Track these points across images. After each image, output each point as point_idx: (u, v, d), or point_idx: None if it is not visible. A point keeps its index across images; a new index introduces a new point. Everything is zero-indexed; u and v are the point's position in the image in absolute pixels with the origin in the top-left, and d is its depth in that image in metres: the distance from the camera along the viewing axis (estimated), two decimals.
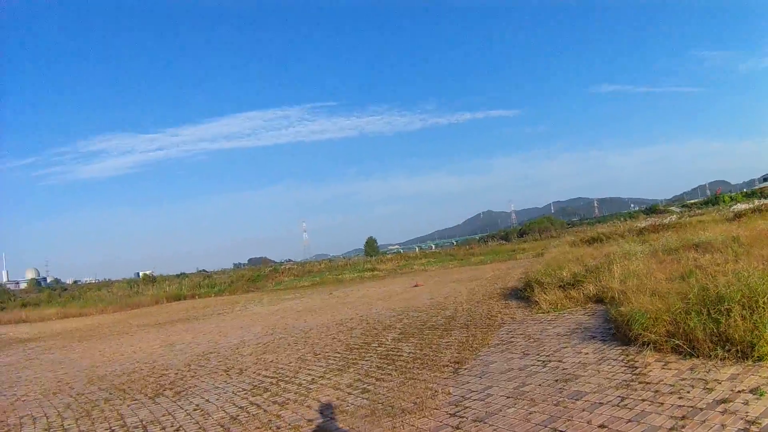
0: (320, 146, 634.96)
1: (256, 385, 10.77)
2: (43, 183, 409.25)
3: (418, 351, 11.83)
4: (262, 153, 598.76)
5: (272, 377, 11.39)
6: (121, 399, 11.12)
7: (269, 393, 9.97)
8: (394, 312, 20.08)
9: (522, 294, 17.83)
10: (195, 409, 9.49)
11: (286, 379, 11.04)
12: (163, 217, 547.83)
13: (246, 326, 22.46)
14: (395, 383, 9.31)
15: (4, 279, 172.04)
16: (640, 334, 8.80)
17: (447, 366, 9.99)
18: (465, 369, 9.58)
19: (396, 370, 10.25)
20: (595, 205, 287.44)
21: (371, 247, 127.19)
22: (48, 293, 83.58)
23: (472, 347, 11.27)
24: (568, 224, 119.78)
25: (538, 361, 9.27)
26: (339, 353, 13.07)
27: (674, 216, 49.94)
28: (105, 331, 28.31)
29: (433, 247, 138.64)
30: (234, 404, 9.51)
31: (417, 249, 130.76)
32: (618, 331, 9.82)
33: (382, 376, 9.96)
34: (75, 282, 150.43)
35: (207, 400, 10.04)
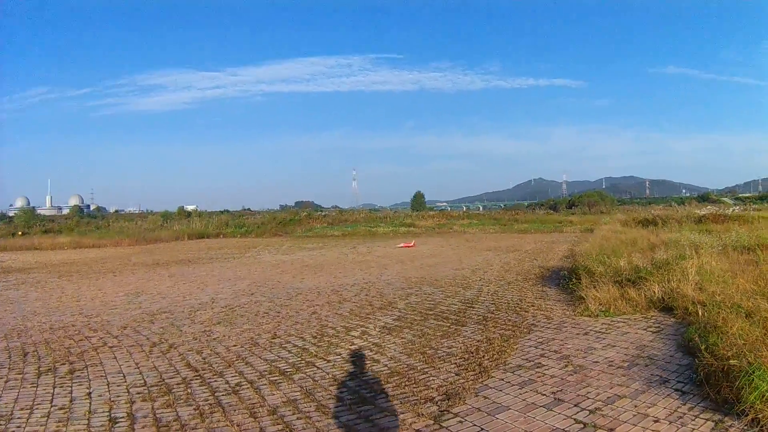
0: (379, 97, 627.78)
1: (162, 379, 7.75)
2: (97, 113, 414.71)
3: (402, 359, 8.33)
4: (321, 99, 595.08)
5: (194, 367, 8.34)
6: (6, 369, 8.60)
7: (165, 399, 6.90)
8: (406, 283, 16.97)
9: (564, 281, 14.29)
10: (60, 408, 6.66)
11: (208, 375, 7.89)
12: (214, 155, 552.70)
13: (235, 278, 19.89)
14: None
15: (47, 204, 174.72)
16: (754, 406, 5.19)
17: (430, 401, 6.43)
18: (455, 415, 6.01)
19: (351, 399, 6.74)
20: (647, 185, 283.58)
21: (418, 201, 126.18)
22: (76, 221, 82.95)
23: (479, 366, 7.64)
24: (619, 201, 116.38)
25: (576, 421, 5.61)
26: (301, 343, 9.69)
27: (736, 207, 45.93)
28: (96, 267, 26.27)
29: (481, 208, 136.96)
30: (114, 407, 6.66)
31: (464, 208, 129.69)
32: (707, 381, 6.21)
33: (325, 406, 6.50)
34: (116, 211, 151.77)
35: (88, 394, 7.20)
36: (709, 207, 39.81)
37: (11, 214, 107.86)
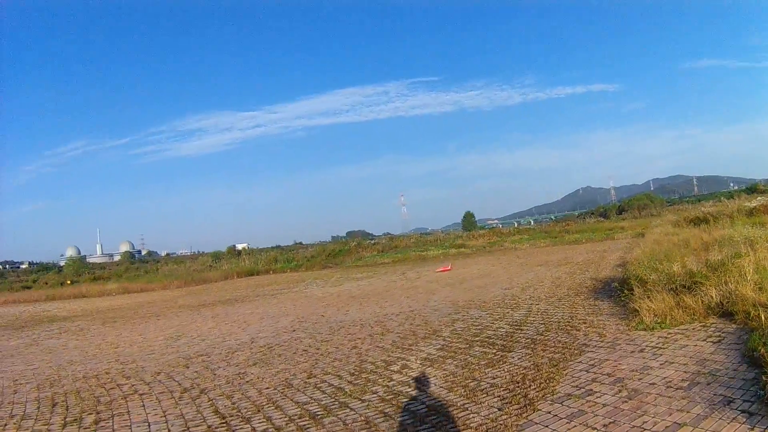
0: (419, 121, 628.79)
1: (187, 428, 7.41)
2: (140, 161, 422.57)
3: (442, 394, 7.69)
4: (361, 128, 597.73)
5: (222, 414, 7.93)
6: (32, 419, 8.50)
7: None
8: (453, 308, 16.27)
9: (617, 292, 13.33)
10: None
11: (235, 422, 7.44)
12: (262, 193, 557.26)
13: (278, 315, 19.54)
14: None
15: (98, 252, 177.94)
16: None
17: None
18: None
19: None
20: (695, 182, 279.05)
21: (468, 221, 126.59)
22: (125, 267, 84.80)
23: (525, 398, 6.98)
24: (668, 202, 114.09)
25: None
26: (337, 382, 9.13)
27: None
28: (141, 312, 26.28)
29: (532, 222, 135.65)
30: None
31: (515, 224, 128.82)
32: None
33: None
34: (167, 255, 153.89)
35: None
36: (759, 198, 38.50)
37: (62, 263, 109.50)
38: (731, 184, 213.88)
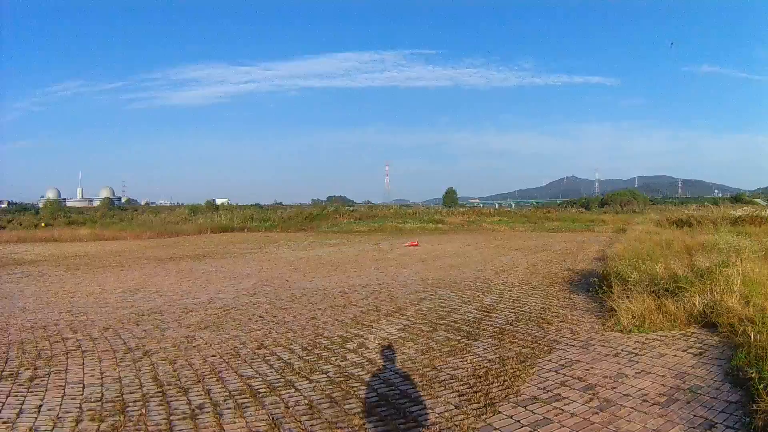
0: (413, 93, 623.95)
1: (121, 395, 6.81)
2: (131, 107, 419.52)
3: (397, 382, 7.08)
4: (355, 94, 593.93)
5: (160, 381, 7.36)
6: None
7: (114, 420, 5.93)
8: (422, 285, 15.72)
9: (595, 287, 12.74)
10: (3, 423, 5.96)
11: (171, 392, 6.86)
12: (248, 149, 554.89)
13: (243, 276, 18.90)
14: None
15: (78, 196, 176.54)
16: None
17: None
18: None
19: None
20: (680, 185, 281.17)
21: (450, 197, 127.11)
22: (101, 213, 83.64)
23: (486, 397, 6.35)
24: (651, 201, 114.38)
25: None
26: (287, 356, 8.52)
27: None
28: (107, 261, 25.60)
29: (513, 205, 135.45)
30: (57, 425, 5.85)
31: (497, 205, 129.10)
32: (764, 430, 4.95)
33: None
34: (147, 204, 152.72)
35: (38, 407, 6.39)
36: (744, 208, 38.28)
37: (40, 205, 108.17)
38: (716, 191, 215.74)
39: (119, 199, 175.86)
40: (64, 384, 7.18)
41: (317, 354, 8.50)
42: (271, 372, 7.61)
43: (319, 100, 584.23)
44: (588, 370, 7.18)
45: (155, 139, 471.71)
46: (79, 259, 26.90)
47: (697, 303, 9.46)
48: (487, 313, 11.29)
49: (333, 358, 8.21)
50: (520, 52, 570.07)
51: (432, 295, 13.87)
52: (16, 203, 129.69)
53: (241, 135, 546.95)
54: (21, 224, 60.27)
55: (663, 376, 6.75)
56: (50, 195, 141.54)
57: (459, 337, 9.27)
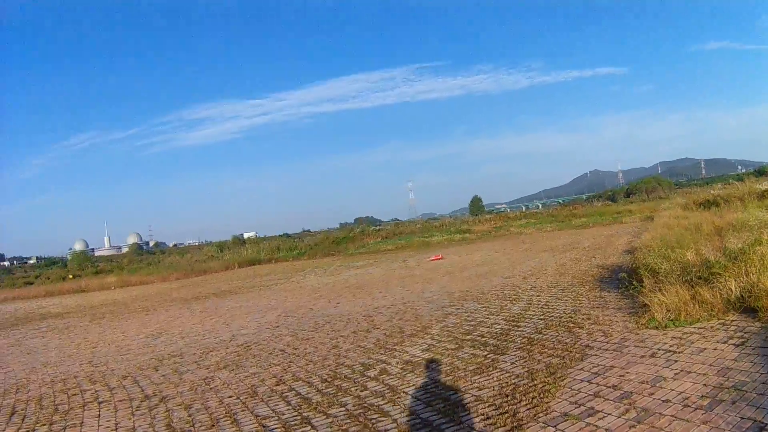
0: (426, 106, 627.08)
1: None
2: (148, 152, 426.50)
3: (418, 409, 6.60)
4: (368, 114, 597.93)
5: (173, 428, 7.13)
6: None
7: None
8: (448, 299, 15.25)
9: (625, 283, 12.04)
10: None
11: None
12: (270, 180, 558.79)
13: (267, 308, 18.61)
14: None
15: (106, 245, 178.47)
16: None
17: None
18: None
19: None
20: (702, 165, 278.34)
21: (476, 206, 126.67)
22: (128, 259, 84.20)
23: (512, 418, 5.87)
24: (676, 185, 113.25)
25: None
26: (305, 390, 8.12)
27: None
28: (132, 307, 25.49)
29: (540, 206, 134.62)
30: None
31: (523, 208, 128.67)
32: None
33: None
34: (174, 245, 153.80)
35: None
36: None
37: (69, 258, 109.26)
38: (739, 167, 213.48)
39: (147, 243, 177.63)
40: None
41: (337, 385, 8.10)
42: (287, 409, 7.24)
43: (334, 124, 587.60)
44: (623, 376, 6.67)
45: (176, 181, 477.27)
46: (105, 307, 26.84)
47: (733, 288, 8.89)
48: (515, 323, 10.78)
49: (353, 389, 7.80)
50: (528, 53, 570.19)
51: (458, 309, 13.40)
52: (44, 258, 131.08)
53: (262, 167, 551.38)
54: (49, 278, 60.66)
55: (704, 374, 6.22)
56: (78, 247, 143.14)
57: (485, 353, 8.79)
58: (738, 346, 7.04)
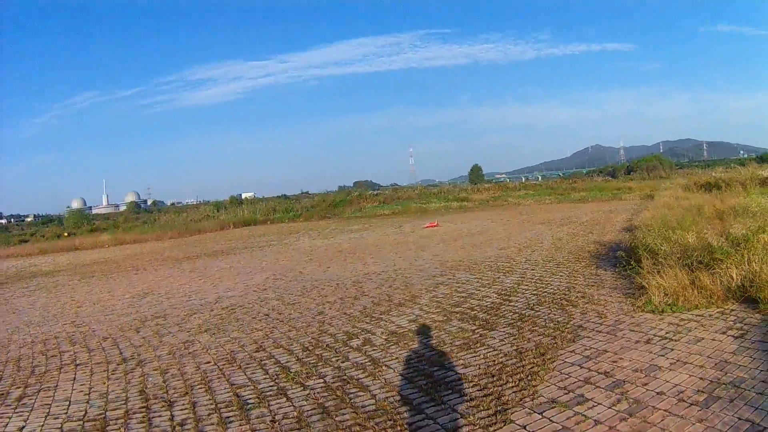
0: (432, 73, 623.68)
1: (104, 411, 6.47)
2: (150, 111, 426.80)
3: (399, 384, 6.35)
4: (373, 79, 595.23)
5: (147, 395, 6.93)
6: None
7: None
8: (440, 268, 14.95)
9: (622, 262, 11.64)
10: None
11: (156, 407, 6.43)
12: (271, 141, 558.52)
13: (256, 270, 18.40)
14: None
15: (104, 203, 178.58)
16: None
17: None
18: None
19: None
20: (704, 147, 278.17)
21: (476, 174, 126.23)
22: (124, 217, 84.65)
23: (498, 401, 5.57)
24: (677, 165, 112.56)
25: None
26: (285, 359, 7.88)
27: None
28: (123, 265, 25.17)
29: (539, 178, 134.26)
30: None
31: (523, 179, 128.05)
32: None
33: None
34: (172, 204, 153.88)
35: (21, 429, 6.17)
36: None
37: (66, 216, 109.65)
38: (741, 152, 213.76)
39: (145, 202, 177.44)
40: (50, 402, 6.90)
41: (318, 354, 7.84)
42: (264, 378, 7.00)
43: (339, 87, 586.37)
44: (616, 362, 6.35)
45: (177, 141, 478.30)
46: (96, 266, 26.59)
47: (734, 276, 8.57)
48: (506, 297, 10.46)
49: (334, 359, 7.53)
50: (536, 24, 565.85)
51: (450, 279, 13.10)
52: (42, 216, 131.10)
53: (264, 128, 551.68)
54: (44, 236, 60.35)
55: (701, 366, 5.90)
56: (75, 205, 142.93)
57: (474, 327, 8.49)
58: (737, 338, 6.73)
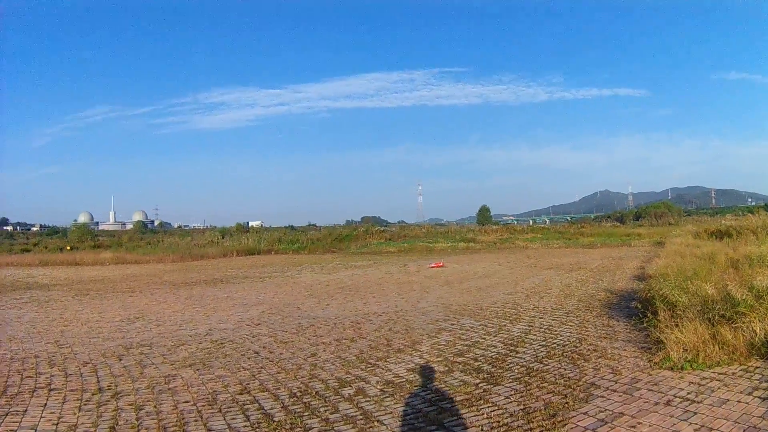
0: (444, 111, 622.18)
1: None
2: (161, 131, 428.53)
3: None
4: (385, 114, 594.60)
5: None
6: None
7: None
8: (444, 312, 14.27)
9: (638, 313, 11.19)
10: None
11: None
12: (281, 171, 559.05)
13: (253, 303, 17.72)
14: None
15: (111, 220, 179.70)
16: None
17: None
18: None
19: None
20: (713, 195, 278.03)
21: (483, 215, 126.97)
22: (128, 236, 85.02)
23: None
24: (686, 212, 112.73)
25: None
26: (269, 405, 7.18)
27: None
28: (120, 286, 24.83)
29: (547, 221, 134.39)
30: None
31: (531, 222, 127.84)
32: None
33: None
34: (179, 227, 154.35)
35: None
36: None
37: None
38: (749, 200, 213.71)
39: (152, 222, 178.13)
40: (16, 429, 6.52)
41: (305, 403, 7.17)
42: (244, 426, 6.37)
43: (351, 121, 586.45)
44: (634, 427, 5.70)
45: (188, 163, 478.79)
46: (93, 284, 26.26)
47: (757, 330, 7.98)
48: (513, 348, 9.80)
49: (320, 410, 6.85)
50: (549, 67, 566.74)
51: (453, 324, 12.45)
52: (48, 227, 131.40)
53: (274, 157, 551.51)
54: (47, 247, 60.41)
55: None
56: (82, 219, 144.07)
57: (477, 381, 7.80)
58: (765, 400, 6.14)
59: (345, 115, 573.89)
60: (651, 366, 7.99)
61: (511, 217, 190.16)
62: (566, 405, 6.56)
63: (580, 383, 7.43)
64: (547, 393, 7.09)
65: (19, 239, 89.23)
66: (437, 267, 29.74)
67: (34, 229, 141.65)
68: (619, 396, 6.77)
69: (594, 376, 7.72)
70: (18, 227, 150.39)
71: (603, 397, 6.81)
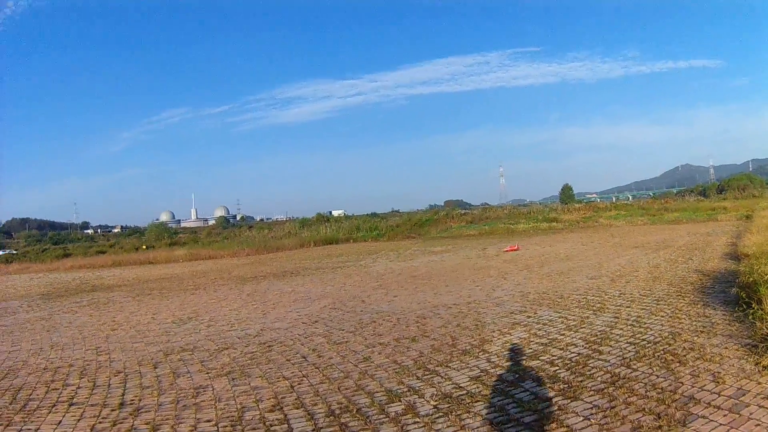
0: (520, 92, 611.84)
1: None
2: (239, 129, 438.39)
3: None
4: (463, 97, 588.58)
5: None
6: None
7: None
8: (520, 303, 13.04)
9: (738, 301, 9.79)
10: None
11: None
12: (361, 159, 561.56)
13: (317, 296, 16.96)
14: None
15: (193, 217, 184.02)
16: None
17: None
18: None
19: None
20: None
21: (566, 194, 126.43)
22: (206, 232, 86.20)
23: None
24: None
25: None
26: (301, 426, 6.18)
27: None
28: (186, 284, 24.53)
29: (630, 198, 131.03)
30: None
31: (613, 199, 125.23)
32: None
33: None
34: (261, 220, 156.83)
35: None
36: None
37: None
38: None
39: (234, 217, 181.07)
40: None
41: (342, 424, 6.09)
42: None
43: (429, 106, 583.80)
44: None
45: (267, 157, 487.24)
46: (158, 282, 26.14)
47: None
48: (596, 347, 8.49)
49: None
50: (624, 41, 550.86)
51: (529, 317, 11.23)
52: (128, 227, 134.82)
53: (354, 146, 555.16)
54: (123, 248, 61.21)
55: None
56: (164, 218, 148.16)
57: (552, 394, 6.52)
58: None
59: (423, 101, 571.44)
60: (759, 371, 6.59)
61: (593, 195, 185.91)
62: (659, 430, 5.24)
63: (676, 396, 6.06)
64: (636, 411, 5.75)
65: (100, 241, 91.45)
66: (511, 250, 28.44)
67: (116, 230, 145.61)
68: (724, 417, 5.38)
69: (692, 386, 6.35)
70: (99, 230, 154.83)
71: (704, 417, 5.43)
